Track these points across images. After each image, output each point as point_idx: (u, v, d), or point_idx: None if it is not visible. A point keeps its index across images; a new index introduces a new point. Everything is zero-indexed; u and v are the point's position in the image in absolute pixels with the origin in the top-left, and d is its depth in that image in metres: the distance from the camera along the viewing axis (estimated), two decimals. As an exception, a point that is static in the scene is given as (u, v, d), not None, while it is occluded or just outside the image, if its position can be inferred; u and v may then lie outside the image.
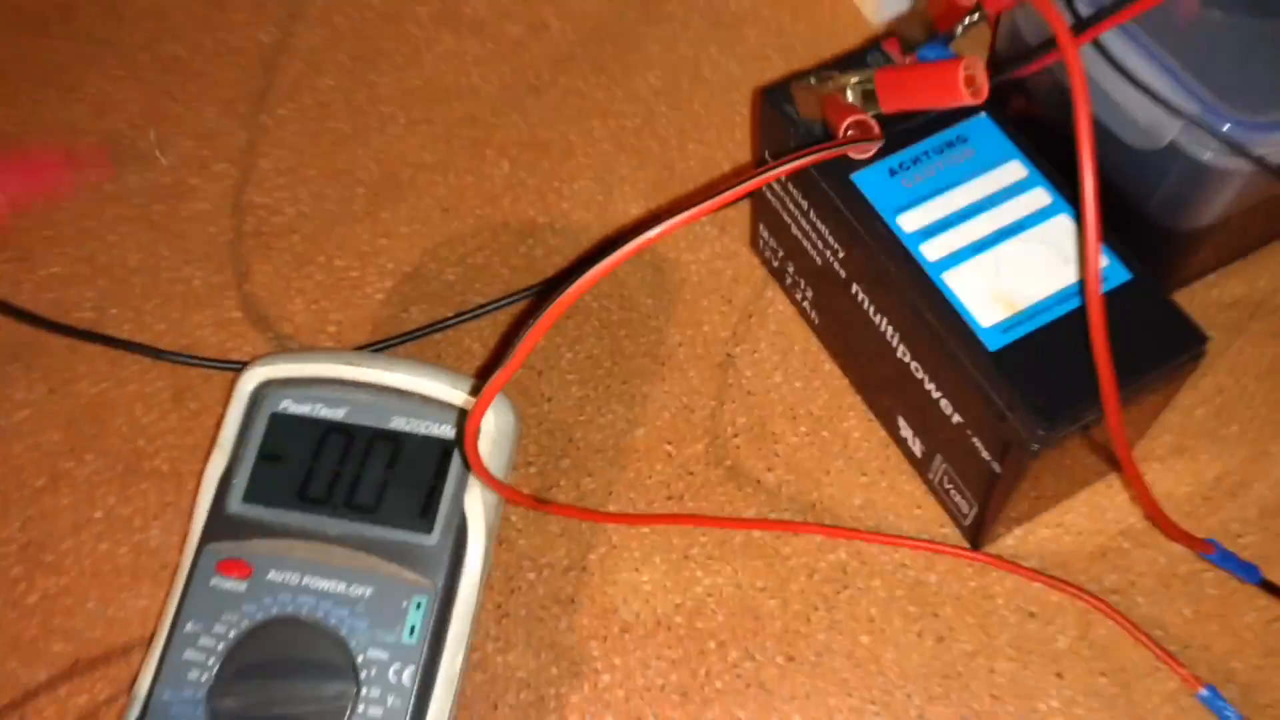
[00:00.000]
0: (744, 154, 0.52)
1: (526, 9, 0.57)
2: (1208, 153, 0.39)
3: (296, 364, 0.42)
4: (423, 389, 0.41)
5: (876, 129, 0.36)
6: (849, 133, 0.35)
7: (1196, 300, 0.48)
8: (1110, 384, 0.34)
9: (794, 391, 0.46)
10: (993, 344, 0.36)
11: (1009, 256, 0.38)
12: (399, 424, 0.41)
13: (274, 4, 0.58)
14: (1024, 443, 0.36)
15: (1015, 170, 0.39)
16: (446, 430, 0.41)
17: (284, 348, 0.49)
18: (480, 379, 0.44)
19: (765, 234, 0.47)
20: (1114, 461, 0.42)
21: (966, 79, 0.33)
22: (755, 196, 0.47)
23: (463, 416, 0.41)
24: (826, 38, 0.54)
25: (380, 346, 0.48)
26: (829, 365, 0.47)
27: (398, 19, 0.57)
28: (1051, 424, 0.35)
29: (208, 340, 0.49)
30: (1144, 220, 0.43)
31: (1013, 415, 0.36)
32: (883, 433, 0.45)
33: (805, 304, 0.47)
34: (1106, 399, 0.34)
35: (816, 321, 0.47)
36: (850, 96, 0.38)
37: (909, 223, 0.39)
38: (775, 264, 0.48)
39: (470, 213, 0.52)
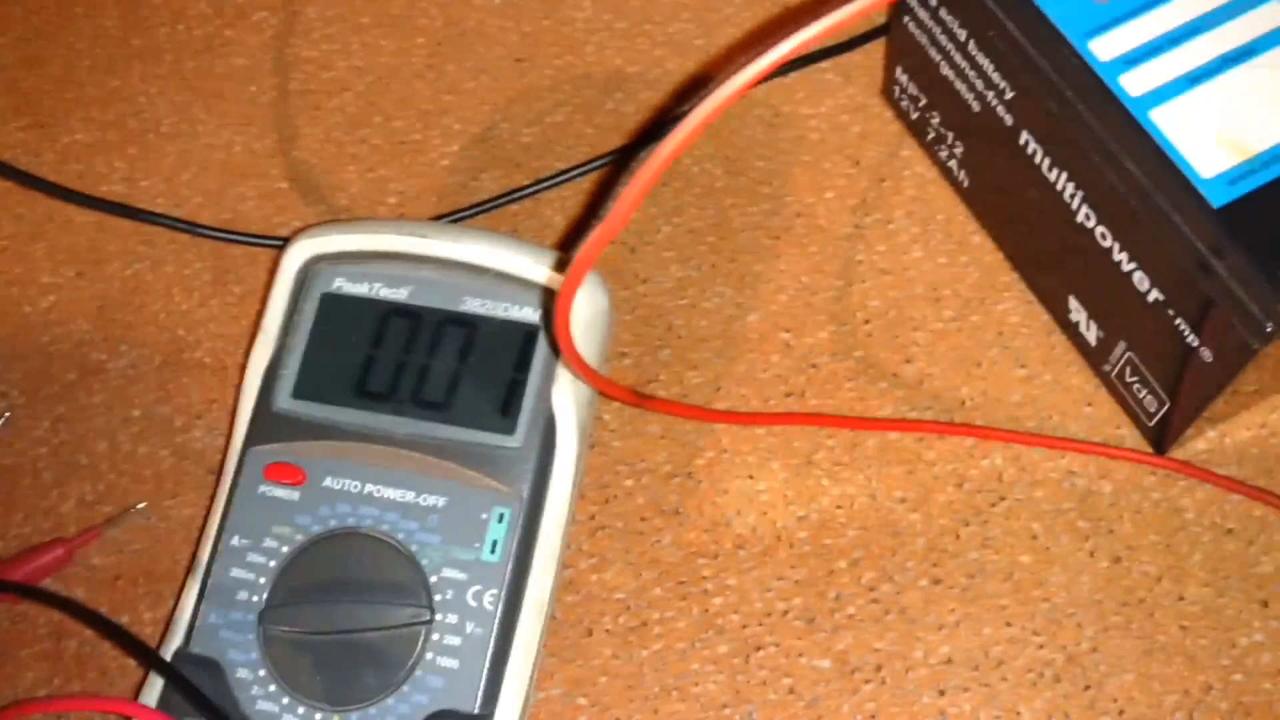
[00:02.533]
0: (870, -13, 0.44)
1: None
2: None
3: (351, 235, 0.36)
4: (500, 264, 0.35)
5: None
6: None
7: None
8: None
9: (937, 269, 0.39)
10: (1217, 198, 0.29)
11: (1237, 88, 0.30)
12: (472, 306, 0.35)
13: None
14: (1254, 323, 0.28)
15: (1242, -21, 0.31)
16: (529, 313, 0.34)
17: (337, 221, 0.42)
18: (566, 252, 0.37)
19: (903, 78, 0.40)
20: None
21: None
22: (893, 32, 0.39)
23: (548, 296, 0.34)
24: None
25: (448, 219, 0.41)
26: (979, 237, 0.39)
27: None
28: (1298, 299, 0.28)
29: (251, 214, 0.43)
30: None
31: (1242, 289, 0.28)
32: (1046, 316, 0.38)
33: (952, 163, 0.39)
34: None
35: (966, 184, 0.39)
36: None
37: (1105, 48, 0.31)
38: (914, 115, 0.40)
39: (548, 63, 0.44)
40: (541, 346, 0.34)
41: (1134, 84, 0.30)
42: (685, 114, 0.22)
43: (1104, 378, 0.37)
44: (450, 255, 0.35)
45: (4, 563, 0.36)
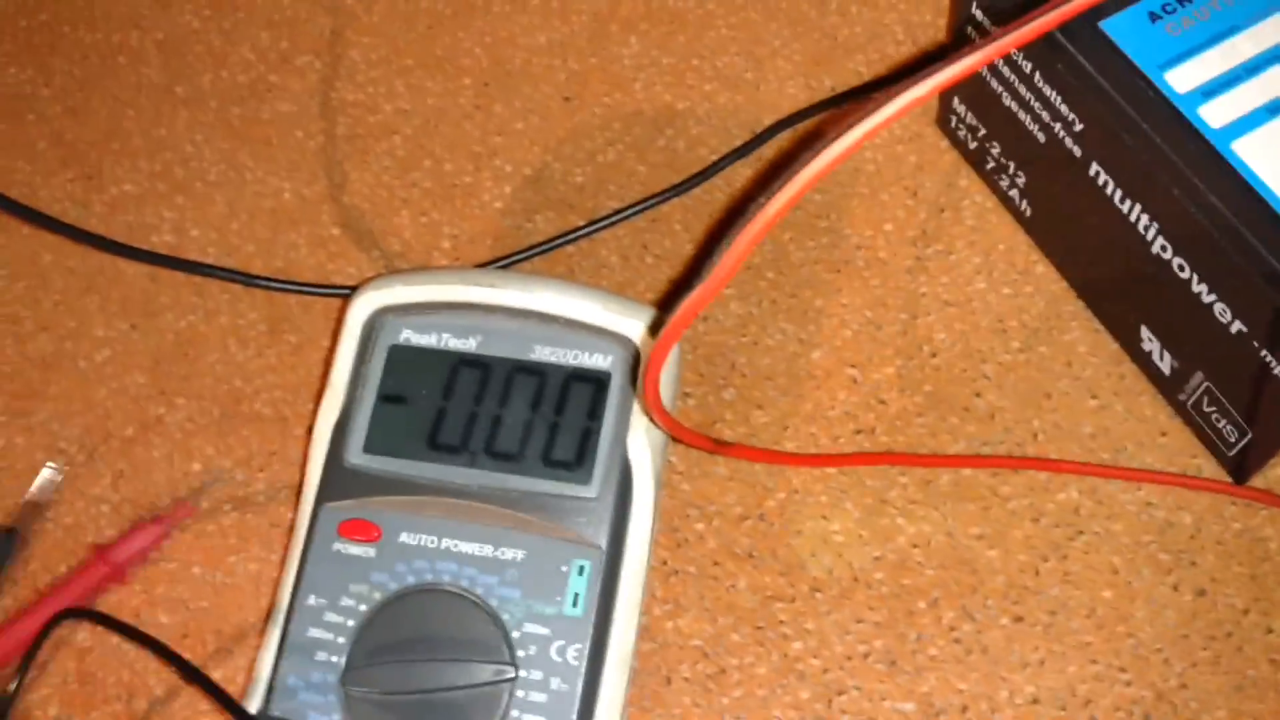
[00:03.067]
0: (919, 13, 0.44)
1: None
2: None
3: (417, 286, 0.35)
4: (568, 311, 0.34)
5: None
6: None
7: None
8: None
9: (1002, 299, 0.39)
10: (1306, 231, 0.28)
11: (1319, 118, 0.30)
12: (543, 354, 0.34)
13: None
14: (1348, 356, 0.28)
15: (1318, 7, 0.31)
16: (599, 360, 0.34)
17: (392, 268, 0.42)
18: (624, 296, 0.37)
19: (960, 109, 0.39)
20: None
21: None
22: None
23: (619, 343, 0.34)
24: None
25: (504, 262, 0.41)
26: (1042, 266, 0.39)
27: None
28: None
29: (304, 262, 0.43)
30: None
31: (1334, 322, 0.28)
32: (1114, 346, 0.38)
33: (1013, 193, 0.39)
34: None
35: (1028, 213, 0.39)
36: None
37: (1182, 80, 0.30)
38: (973, 145, 0.40)
39: (597, 101, 0.44)
40: (614, 393, 0.34)
41: (1214, 115, 0.30)
42: (784, 180, 0.22)
43: (1179, 407, 0.36)
44: (520, 304, 0.35)
45: (104, 547, 0.37)
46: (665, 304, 0.40)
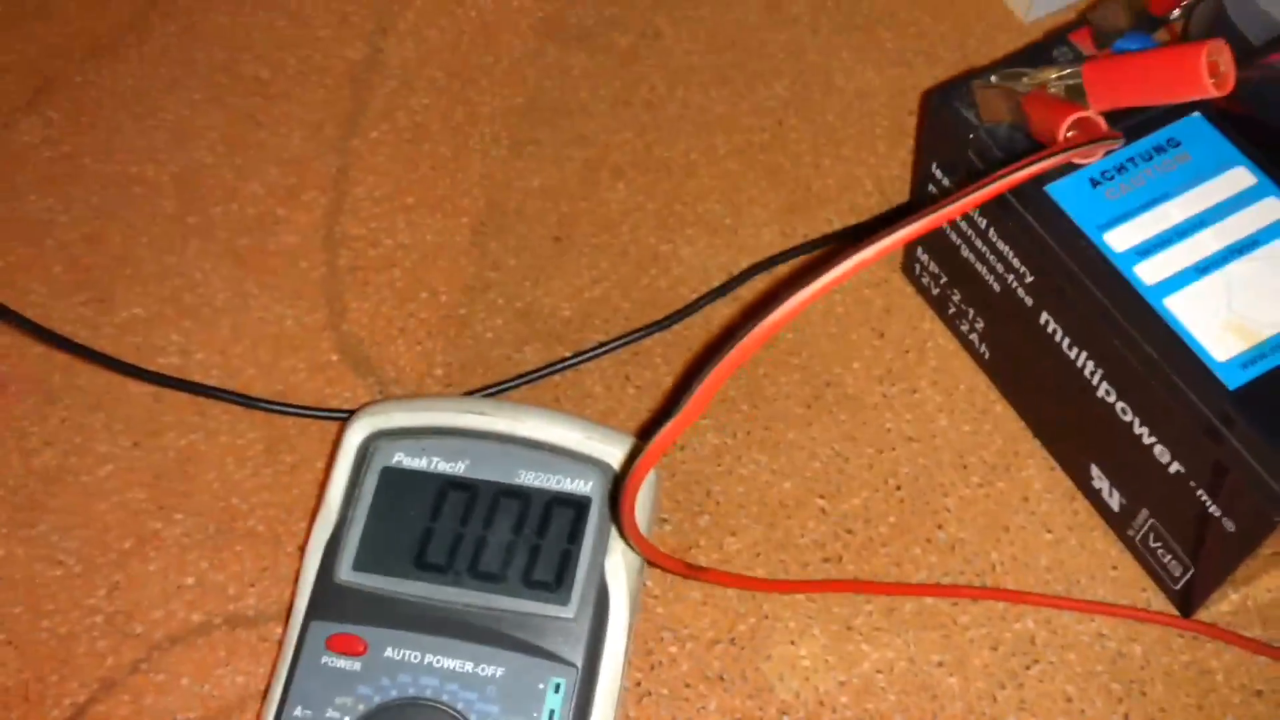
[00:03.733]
0: (888, 168, 0.47)
1: (636, 15, 0.53)
2: None
3: (411, 412, 0.37)
4: (553, 439, 0.36)
5: (1107, 126, 0.30)
6: (1070, 134, 0.30)
7: None
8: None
9: (962, 436, 0.41)
10: (1232, 381, 0.31)
11: (1242, 277, 0.32)
12: (527, 479, 0.36)
13: (361, 18, 0.54)
14: (1275, 497, 0.30)
15: (1241, 177, 0.34)
16: (580, 485, 0.36)
17: (386, 393, 0.44)
18: (606, 425, 0.39)
19: (923, 258, 0.42)
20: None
21: (1210, 66, 0.28)
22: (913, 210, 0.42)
23: (599, 469, 0.36)
24: (974, 39, 0.49)
25: (496, 390, 0.43)
26: (1001, 406, 0.41)
27: (496, 30, 0.53)
28: (1318, 477, 0.30)
29: (303, 386, 0.45)
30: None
31: (1261, 465, 0.30)
32: (1068, 483, 0.40)
33: (973, 336, 0.41)
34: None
35: (986, 356, 0.41)
36: (1055, 92, 0.33)
37: (1119, 240, 0.33)
38: (935, 291, 0.43)
39: (585, 241, 0.47)
40: (593, 518, 0.35)
41: (1149, 272, 0.33)
42: (751, 324, 0.25)
43: (1128, 542, 0.38)
44: (507, 430, 0.37)
45: None
46: (645, 432, 0.42)
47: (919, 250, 0.42)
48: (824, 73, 0.50)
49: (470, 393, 0.43)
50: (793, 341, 0.44)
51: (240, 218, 0.49)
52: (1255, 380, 0.31)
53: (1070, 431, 0.39)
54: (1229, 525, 0.33)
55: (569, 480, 0.36)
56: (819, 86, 0.50)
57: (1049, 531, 0.39)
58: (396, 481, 0.37)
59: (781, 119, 0.49)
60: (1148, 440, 0.34)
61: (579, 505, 0.36)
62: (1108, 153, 0.34)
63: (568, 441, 0.36)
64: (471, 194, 0.49)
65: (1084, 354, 0.35)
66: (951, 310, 0.42)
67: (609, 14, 0.53)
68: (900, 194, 0.47)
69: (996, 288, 0.38)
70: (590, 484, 0.36)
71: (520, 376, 0.44)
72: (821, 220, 0.46)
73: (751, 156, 0.48)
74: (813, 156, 0.48)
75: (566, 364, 0.44)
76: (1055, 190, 0.34)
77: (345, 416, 0.43)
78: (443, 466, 0.37)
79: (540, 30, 0.53)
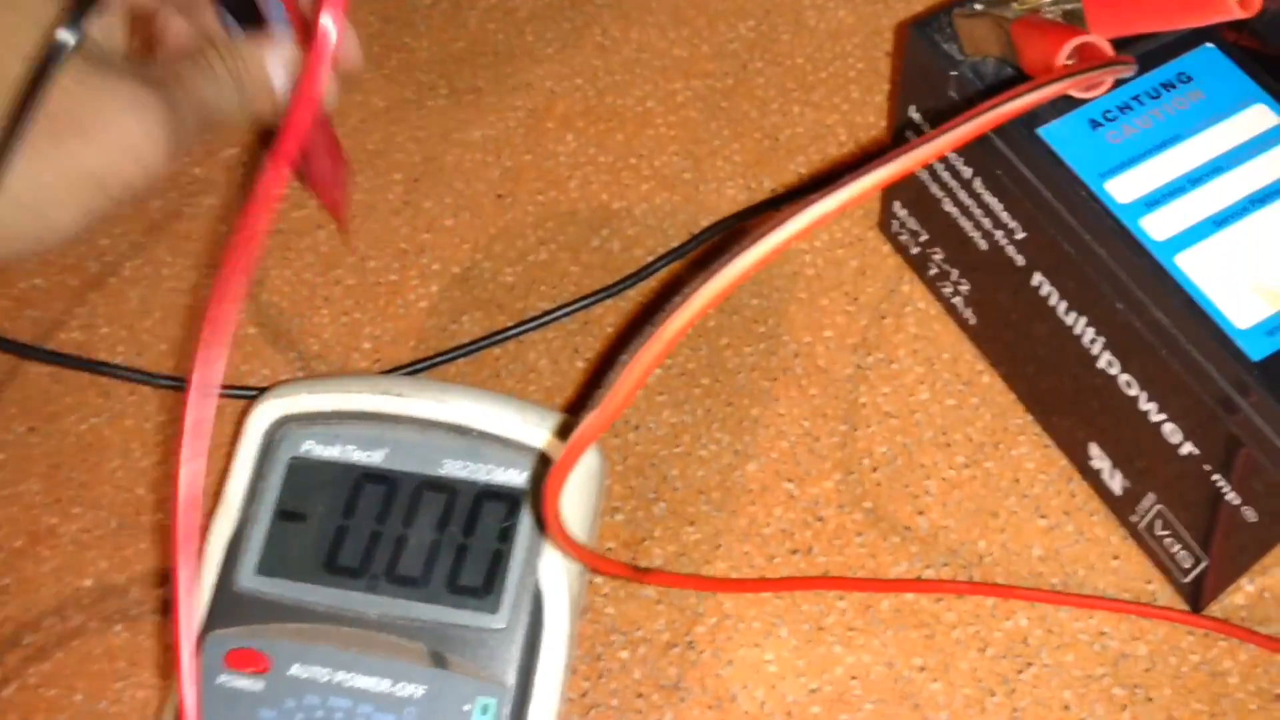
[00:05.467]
0: (862, 114, 0.43)
1: (587, -46, 0.48)
2: None
3: (321, 394, 0.33)
4: (482, 423, 0.32)
5: (1114, 52, 0.26)
6: (1069, 63, 0.26)
7: None
8: None
9: (945, 411, 0.37)
10: (1256, 351, 0.27)
11: (1267, 231, 0.28)
12: (453, 469, 0.32)
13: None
14: (1304, 485, 0.26)
15: (1262, 116, 0.30)
16: (513, 476, 0.32)
17: (309, 369, 0.40)
18: (551, 407, 0.35)
19: (901, 213, 0.38)
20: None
21: (1234, -18, 0.24)
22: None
23: (536, 459, 0.32)
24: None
25: (427, 365, 0.39)
26: (989, 376, 0.37)
27: (435, -28, 0.48)
28: (1356, 462, 0.25)
29: (218, 362, 0.40)
30: None
31: (1288, 448, 0.26)
32: (1064, 462, 0.36)
33: (957, 300, 0.37)
34: None
35: (972, 322, 0.37)
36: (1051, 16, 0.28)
37: (1123, 190, 0.29)
38: (914, 250, 0.38)
39: (530, 199, 0.42)
40: (527, 513, 0.31)
41: (1157, 227, 0.28)
42: (695, 286, 0.20)
43: (1131, 529, 0.34)
44: (431, 415, 0.32)
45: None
46: (566, 430, 0.37)
47: (896, 204, 0.38)
48: (793, 11, 0.45)
49: (400, 368, 0.39)
50: (757, 308, 0.39)
51: (152, 178, 0.44)
52: (1282, 349, 0.27)
53: (1067, 405, 0.34)
54: (1249, 514, 0.29)
55: (500, 470, 0.32)
56: (787, 26, 0.45)
57: (1043, 517, 0.35)
58: (306, 474, 0.32)
59: (746, 62, 0.44)
60: (1156, 417, 0.30)
61: (511, 499, 0.31)
62: (1117, 83, 0.29)
63: (499, 426, 0.32)
64: (406, 148, 0.44)
65: (1083, 320, 0.31)
66: (933, 271, 0.38)
67: (557, -53, 0.48)
68: (877, 143, 0.42)
69: (983, 246, 0.34)
70: (524, 475, 0.32)
71: (456, 349, 0.39)
72: (790, 173, 0.42)
73: (713, 104, 0.44)
74: (781, 103, 0.43)
75: (508, 334, 0.39)
76: (1049, 133, 0.30)
77: (257, 394, 0.39)
78: (358, 456, 0.33)
79: (482, -33, 0.48)
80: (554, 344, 0.39)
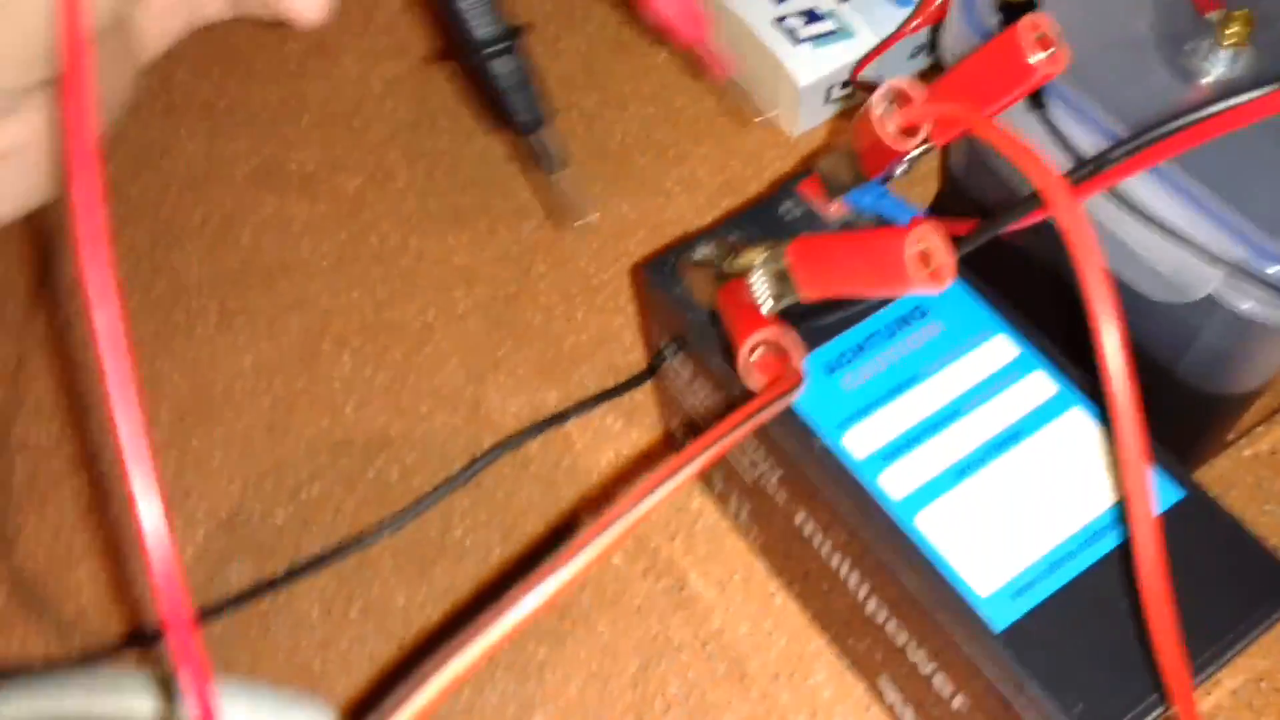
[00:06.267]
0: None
1: (366, 156, 0.46)
2: (1250, 303, 0.28)
3: (18, 702, 0.30)
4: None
5: (796, 365, 0.24)
6: (755, 358, 0.24)
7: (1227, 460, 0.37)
8: (1181, 677, 0.23)
9: (740, 639, 0.35)
10: (998, 621, 0.25)
11: (1006, 482, 0.27)
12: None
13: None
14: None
15: (1001, 348, 0.29)
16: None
17: (65, 640, 0.37)
18: (317, 705, 0.32)
19: (679, 432, 0.36)
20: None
21: (919, 257, 0.23)
22: (656, 385, 0.36)
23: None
24: (738, 160, 0.44)
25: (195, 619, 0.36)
26: (781, 598, 0.36)
27: (204, 184, 0.46)
28: (1100, 741, 0.24)
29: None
30: (1170, 386, 0.32)
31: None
32: (862, 688, 0.34)
33: (744, 517, 0.36)
34: (1178, 695, 0.23)
35: (759, 541, 0.35)
36: (758, 282, 0.27)
37: (858, 444, 0.28)
38: (695, 471, 0.37)
39: (303, 429, 0.40)
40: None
41: (894, 484, 0.27)
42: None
43: (929, 766, 0.32)
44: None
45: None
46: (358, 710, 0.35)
47: (672, 422, 0.36)
48: (574, 208, 0.44)
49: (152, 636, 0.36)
50: (541, 525, 0.37)
51: (-97, 424, 0.42)
52: (1027, 615, 0.25)
53: (853, 634, 0.33)
54: (1028, 773, 0.27)
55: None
56: (568, 225, 0.44)
57: (840, 756, 0.33)
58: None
59: (529, 266, 0.43)
60: (925, 669, 0.28)
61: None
62: (849, 321, 0.28)
63: (233, 729, 0.29)
64: (172, 380, 0.42)
65: (845, 564, 0.29)
66: (718, 488, 0.36)
67: (334, 156, 0.46)
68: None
69: (747, 479, 0.32)
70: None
71: (221, 603, 0.36)
72: (575, 384, 0.40)
73: (495, 312, 0.42)
74: (565, 308, 0.42)
75: (277, 584, 0.37)
76: (786, 381, 0.29)
77: None
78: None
79: (257, 179, 0.46)
80: (327, 591, 0.37)
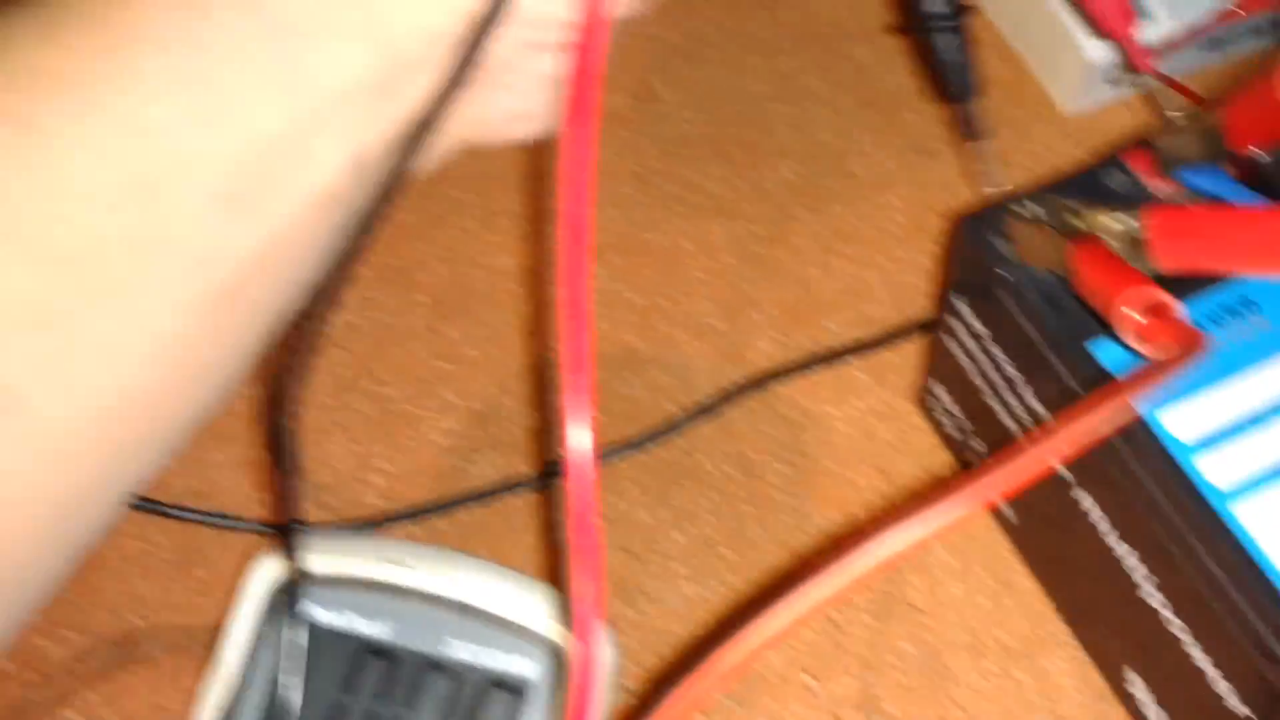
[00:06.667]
0: (902, 274, 0.42)
1: (629, 75, 0.47)
2: None
3: (325, 557, 0.32)
4: (494, 606, 0.31)
5: (1190, 326, 0.24)
6: (1128, 312, 0.24)
7: None
8: None
9: (978, 612, 0.35)
10: (1317, 623, 0.25)
11: (1333, 485, 0.27)
12: (457, 650, 0.31)
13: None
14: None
15: (1333, 355, 0.28)
16: (524, 666, 0.30)
17: (318, 500, 0.39)
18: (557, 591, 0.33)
19: (940, 393, 0.37)
20: None
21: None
22: (933, 347, 0.36)
23: (550, 654, 0.30)
24: (1007, 129, 0.43)
25: (438, 509, 0.38)
26: (1026, 581, 0.36)
27: (476, 84, 0.47)
28: None
29: (223, 485, 0.39)
30: None
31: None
32: (1101, 681, 0.34)
33: (994, 491, 0.36)
34: None
35: (1014, 520, 0.35)
36: (1107, 244, 0.27)
37: (1180, 424, 0.28)
38: (952, 433, 0.37)
39: (553, 336, 0.41)
40: (534, 707, 0.30)
41: (1216, 470, 0.27)
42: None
43: (1165, 758, 0.32)
44: (437, 591, 0.31)
45: None
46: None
47: (932, 383, 0.37)
48: (838, 156, 0.44)
49: (414, 512, 0.38)
50: (784, 476, 0.38)
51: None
52: (1345, 622, 0.25)
53: (1107, 625, 0.33)
54: (1298, 781, 0.27)
55: (509, 658, 0.30)
56: (831, 171, 0.44)
57: (1071, 735, 0.34)
58: (310, 640, 0.31)
59: (786, 207, 0.43)
60: (1199, 661, 0.28)
61: (519, 691, 0.30)
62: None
63: (511, 610, 0.31)
64: (433, 268, 0.43)
65: (1128, 548, 0.29)
66: (972, 459, 0.36)
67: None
68: (915, 305, 0.41)
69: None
70: (534, 665, 0.30)
71: (471, 494, 0.38)
72: (823, 329, 0.41)
73: (749, 249, 0.42)
74: (818, 253, 0.42)
75: (523, 485, 0.38)
76: (1101, 349, 0.29)
77: (267, 530, 0.38)
78: (362, 626, 0.31)
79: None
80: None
